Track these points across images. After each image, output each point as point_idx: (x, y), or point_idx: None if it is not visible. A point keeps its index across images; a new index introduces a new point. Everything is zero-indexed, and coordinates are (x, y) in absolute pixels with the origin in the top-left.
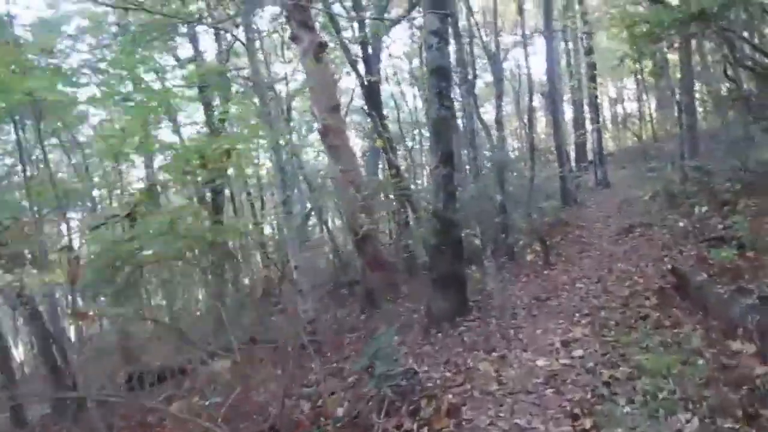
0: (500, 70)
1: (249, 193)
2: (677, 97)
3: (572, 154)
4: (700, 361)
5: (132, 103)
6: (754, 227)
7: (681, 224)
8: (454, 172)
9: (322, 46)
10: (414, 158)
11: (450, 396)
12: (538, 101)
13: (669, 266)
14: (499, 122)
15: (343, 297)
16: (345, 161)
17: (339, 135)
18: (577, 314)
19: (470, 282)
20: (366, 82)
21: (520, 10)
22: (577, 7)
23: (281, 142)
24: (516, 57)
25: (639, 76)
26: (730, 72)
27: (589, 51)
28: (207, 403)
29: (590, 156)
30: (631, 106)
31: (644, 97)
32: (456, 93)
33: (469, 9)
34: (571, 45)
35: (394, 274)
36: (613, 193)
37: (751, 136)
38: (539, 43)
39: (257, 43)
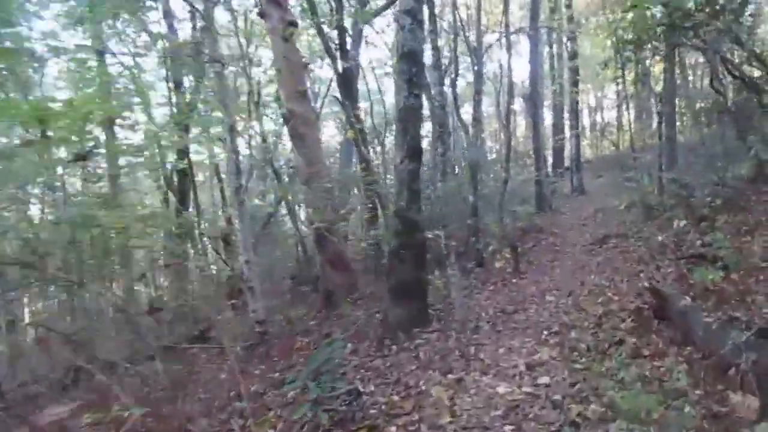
0: (481, 65)
1: (220, 180)
2: (658, 107)
3: (549, 160)
4: (687, 408)
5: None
6: (736, 246)
7: (658, 238)
8: (420, 168)
9: (292, 24)
10: (389, 153)
11: (393, 429)
12: (518, 105)
13: (646, 283)
14: (476, 119)
15: (304, 295)
16: (310, 151)
17: (305, 123)
18: (545, 332)
19: (433, 289)
20: (341, 70)
21: (506, 6)
22: (563, 10)
23: (241, 125)
24: (499, 58)
25: (620, 86)
26: (715, 84)
27: (573, 55)
28: (126, 413)
29: (567, 162)
30: (610, 115)
31: (623, 106)
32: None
33: (454, 3)
34: (555, 49)
35: (356, 274)
36: (588, 200)
37: (730, 151)
38: (523, 46)
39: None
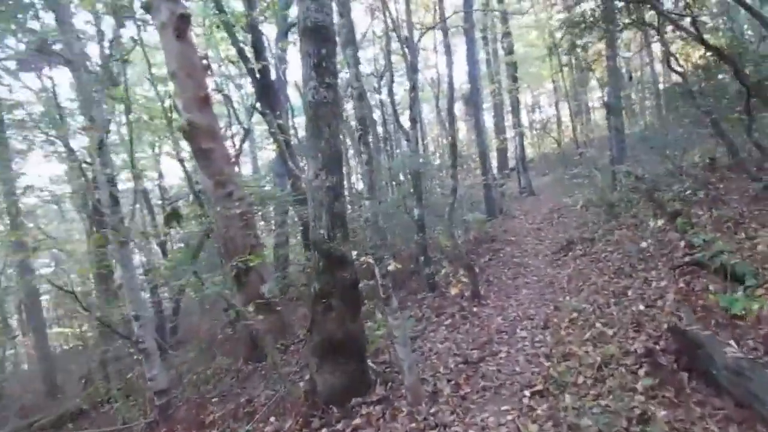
0: (415, 56)
1: (150, 209)
2: (604, 97)
3: (494, 162)
4: None
5: None
6: (736, 247)
7: (638, 243)
8: (342, 182)
9: (185, 18)
10: None
11: None
12: (458, 108)
13: (642, 306)
14: (414, 120)
15: (230, 341)
16: (218, 169)
17: (210, 135)
18: (526, 393)
19: (372, 339)
20: (258, 74)
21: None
22: (496, 4)
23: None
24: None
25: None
26: (673, 64)
27: (510, 51)
28: None
29: (511, 163)
30: (548, 113)
31: (562, 101)
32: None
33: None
34: (490, 47)
35: (285, 312)
36: (539, 201)
37: (681, 137)
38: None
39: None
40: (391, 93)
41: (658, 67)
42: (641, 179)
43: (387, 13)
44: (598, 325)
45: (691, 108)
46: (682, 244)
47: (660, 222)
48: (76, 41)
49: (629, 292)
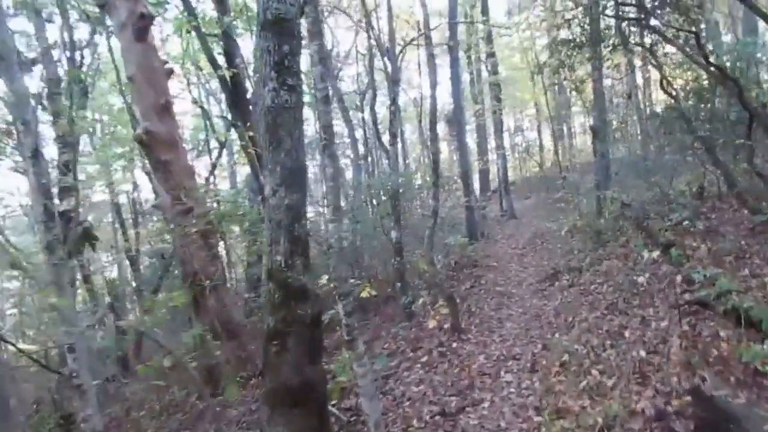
0: (396, 69)
1: (122, 223)
2: (590, 121)
3: (476, 183)
4: None
5: None
6: (744, 287)
7: (627, 275)
8: (305, 201)
9: (146, 18)
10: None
11: None
12: (441, 129)
13: (643, 352)
14: (393, 135)
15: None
16: (178, 183)
17: (169, 146)
18: None
19: (334, 385)
20: (229, 81)
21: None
22: (481, 26)
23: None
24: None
25: (541, 105)
26: (666, 86)
27: (494, 71)
28: None
29: (493, 185)
30: (530, 136)
31: (546, 124)
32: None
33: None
34: (474, 66)
35: (249, 340)
36: (521, 225)
37: (667, 164)
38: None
39: None
40: (373, 111)
41: (641, 92)
42: (628, 206)
43: (370, 27)
44: (594, 372)
45: (685, 133)
46: (679, 278)
47: (655, 254)
48: (9, 37)
49: (626, 333)
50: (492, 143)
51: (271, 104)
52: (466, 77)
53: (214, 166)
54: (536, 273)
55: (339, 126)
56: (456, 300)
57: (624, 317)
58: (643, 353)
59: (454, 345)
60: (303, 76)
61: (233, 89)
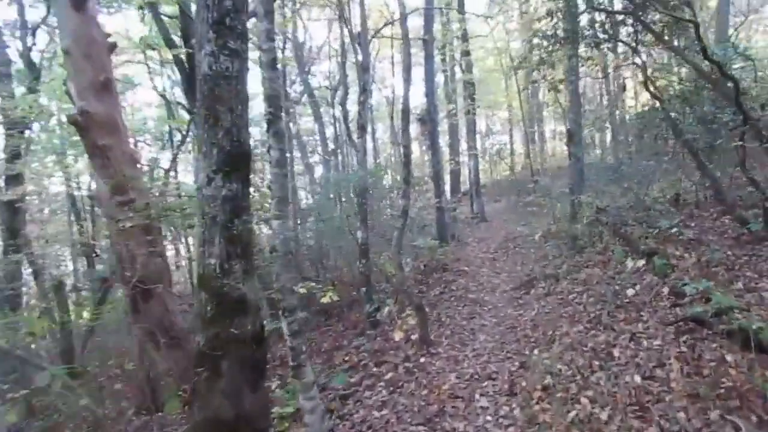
0: (367, 55)
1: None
2: (567, 126)
3: (447, 185)
4: None
5: None
6: (743, 303)
7: (609, 285)
8: (248, 192)
9: None
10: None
11: None
12: (413, 129)
13: (638, 378)
14: (362, 127)
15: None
16: (117, 170)
17: (109, 129)
18: None
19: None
20: (186, 63)
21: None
22: (456, 25)
23: None
24: (392, 83)
25: (514, 108)
26: (650, 87)
27: (469, 69)
28: None
29: (464, 187)
30: (502, 139)
31: (518, 127)
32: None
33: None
34: (448, 65)
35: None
36: (492, 228)
37: (641, 169)
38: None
39: None
40: (344, 107)
41: (615, 98)
42: (603, 211)
43: (343, 17)
44: (583, 400)
45: (667, 137)
46: (666, 290)
47: (640, 263)
48: None
49: (615, 352)
50: (464, 145)
51: (208, 71)
52: (440, 77)
53: (175, 157)
54: (510, 279)
55: (309, 123)
56: (425, 309)
57: (610, 333)
58: (638, 378)
59: (423, 360)
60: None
61: (190, 72)
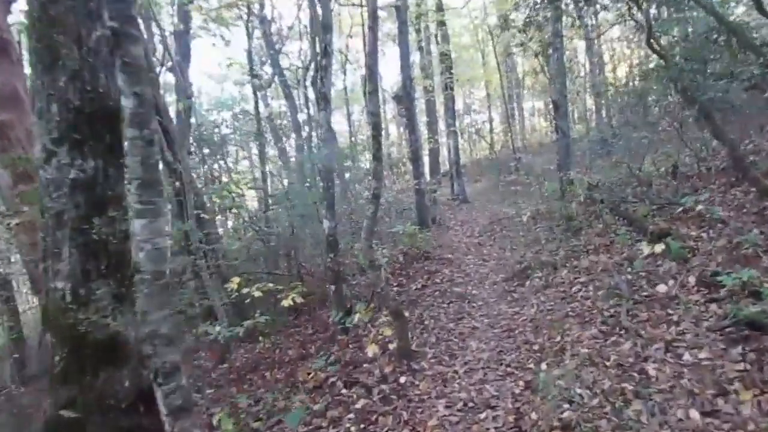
0: (327, 10)
1: None
2: (553, 97)
3: (426, 166)
4: None
5: None
6: None
7: (620, 274)
8: (121, 174)
9: None
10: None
11: None
12: (390, 110)
13: (696, 413)
14: (324, 97)
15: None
16: (19, 152)
17: (8, 102)
18: None
19: None
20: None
21: None
22: None
23: None
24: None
25: (494, 84)
26: (653, 42)
27: (445, 39)
28: None
29: (443, 168)
30: (480, 118)
31: (495, 106)
32: None
33: None
34: (423, 37)
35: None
36: (474, 209)
37: (642, 140)
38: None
39: None
40: (315, 86)
41: (598, 69)
42: (595, 188)
43: None
44: None
45: (665, 105)
46: (692, 280)
47: (658, 248)
48: None
49: (650, 370)
50: (442, 125)
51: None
52: (416, 56)
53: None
54: (500, 267)
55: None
56: (404, 315)
57: (635, 340)
58: (695, 414)
59: (403, 380)
60: None
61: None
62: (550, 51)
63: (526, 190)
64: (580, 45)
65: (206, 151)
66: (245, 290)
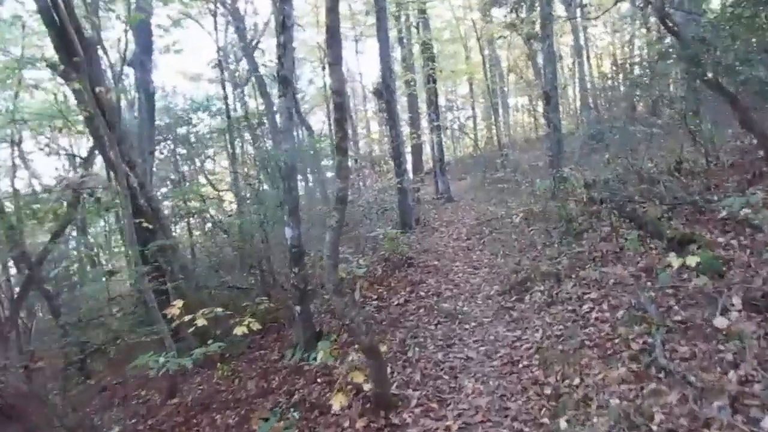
0: None
1: None
2: (544, 87)
3: (408, 163)
4: None
5: None
6: None
7: (643, 291)
8: None
9: None
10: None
11: None
12: (371, 107)
13: None
14: (285, 80)
15: None
16: None
17: None
18: None
19: None
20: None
21: None
22: None
23: None
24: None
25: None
26: (666, 18)
27: (426, 26)
28: None
29: (427, 165)
30: (464, 114)
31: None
32: None
33: None
34: (404, 27)
35: (41, 420)
36: (460, 208)
37: (640, 134)
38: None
39: None
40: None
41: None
42: (592, 186)
43: None
44: None
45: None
46: (736, 301)
47: (692, 260)
48: None
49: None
50: (424, 123)
51: None
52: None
53: (93, 150)
54: (493, 277)
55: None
56: (381, 353)
57: (683, 389)
58: None
59: None
60: None
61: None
62: (540, 35)
63: (514, 188)
64: (565, 39)
65: (183, 152)
66: (187, 318)
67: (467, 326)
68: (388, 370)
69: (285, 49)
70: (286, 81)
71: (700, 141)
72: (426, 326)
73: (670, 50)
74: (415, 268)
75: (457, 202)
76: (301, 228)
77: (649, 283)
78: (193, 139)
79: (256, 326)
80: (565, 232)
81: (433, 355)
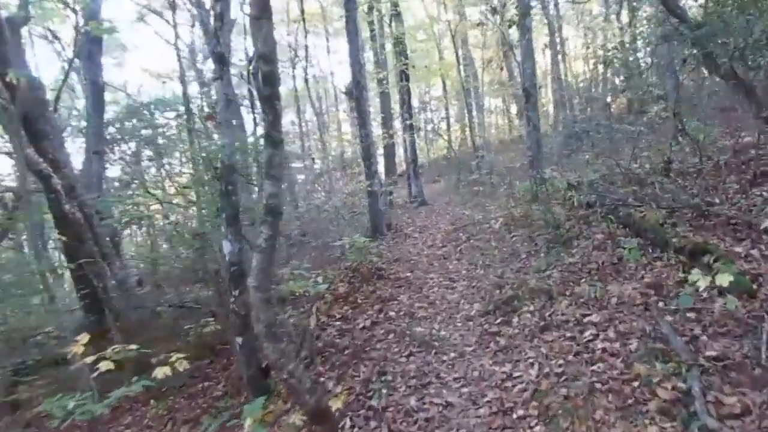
0: None
1: None
2: (523, 83)
3: (380, 166)
4: None
5: None
6: None
7: (664, 315)
8: None
9: None
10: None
11: None
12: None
13: None
14: (221, 58)
15: None
16: None
17: None
18: None
19: None
20: None
21: None
22: None
23: None
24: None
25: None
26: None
27: (398, 20)
28: None
29: (399, 168)
30: (437, 116)
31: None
32: None
33: None
34: (375, 20)
35: None
36: (434, 212)
37: (625, 133)
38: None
39: None
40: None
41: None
42: (575, 188)
43: None
44: None
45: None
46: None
47: (723, 279)
48: None
49: None
50: (398, 124)
51: None
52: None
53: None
54: (473, 293)
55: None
56: (331, 413)
57: None
58: None
59: None
60: None
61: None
62: (519, 26)
63: (490, 191)
64: (540, 39)
65: (149, 153)
66: (89, 360)
67: (445, 357)
68: (347, 424)
69: (222, 21)
70: (222, 60)
71: (693, 139)
72: (396, 358)
73: (678, 29)
74: (386, 281)
75: (431, 205)
76: (243, 242)
77: (661, 304)
78: (160, 141)
79: (183, 366)
80: (552, 240)
81: (404, 400)
